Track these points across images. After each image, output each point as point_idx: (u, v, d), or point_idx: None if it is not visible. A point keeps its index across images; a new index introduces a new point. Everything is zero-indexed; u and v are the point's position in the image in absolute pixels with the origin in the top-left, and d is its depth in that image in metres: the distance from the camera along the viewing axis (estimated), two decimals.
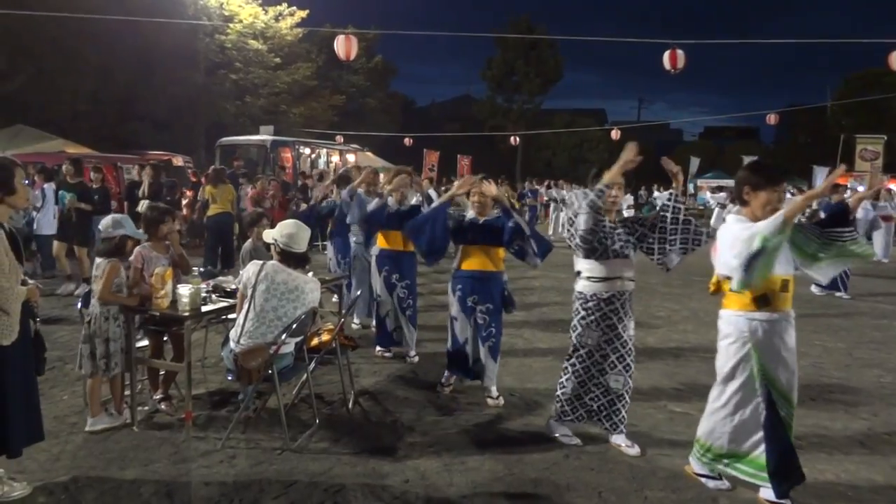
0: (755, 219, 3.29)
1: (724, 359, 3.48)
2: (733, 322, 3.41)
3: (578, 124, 40.04)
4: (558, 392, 4.21)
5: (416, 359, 6.04)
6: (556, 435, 4.26)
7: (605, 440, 4.24)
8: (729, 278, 3.31)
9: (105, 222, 4.42)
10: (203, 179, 12.78)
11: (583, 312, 4.05)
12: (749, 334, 3.34)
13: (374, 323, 6.51)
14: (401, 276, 5.99)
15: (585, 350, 4.06)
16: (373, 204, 6.06)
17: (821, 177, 32.40)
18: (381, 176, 7.66)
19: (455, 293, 5.01)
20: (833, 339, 7.21)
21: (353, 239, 7.09)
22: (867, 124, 35.88)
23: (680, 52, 12.55)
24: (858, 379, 5.84)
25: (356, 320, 7.17)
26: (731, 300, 3.43)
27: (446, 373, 5.26)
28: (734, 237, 3.25)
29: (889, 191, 16.22)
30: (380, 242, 6.16)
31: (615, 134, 31.35)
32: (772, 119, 27.65)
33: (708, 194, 24.42)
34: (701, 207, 28.97)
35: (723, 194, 22.71)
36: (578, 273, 4.10)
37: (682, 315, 8.39)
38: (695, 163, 35.41)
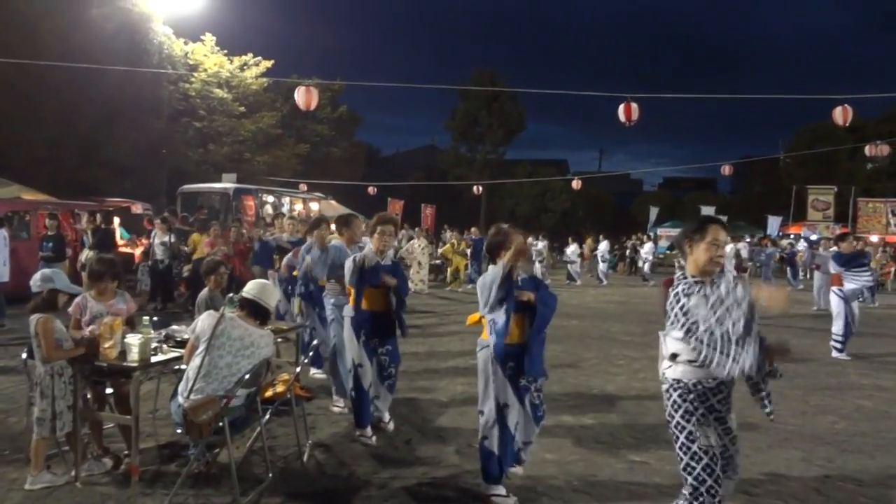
0: None
1: None
2: None
3: (541, 174, 40.77)
4: None
5: (392, 426, 5.44)
6: None
7: (562, 495, 4.19)
8: None
9: (34, 278, 4.29)
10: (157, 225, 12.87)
11: (685, 406, 3.16)
12: None
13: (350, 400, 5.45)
14: (381, 341, 5.25)
15: (710, 456, 3.08)
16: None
17: (774, 226, 33.46)
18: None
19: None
20: (789, 386, 7.30)
21: (330, 301, 6.04)
22: (818, 175, 37.31)
23: (634, 106, 12.95)
24: (813, 426, 5.91)
25: (340, 402, 5.88)
26: None
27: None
28: None
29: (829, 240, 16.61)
30: (353, 301, 5.22)
31: (576, 184, 32.00)
32: (726, 170, 28.58)
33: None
34: (661, 256, 29.55)
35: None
36: (673, 356, 3.27)
37: (643, 363, 8.43)
38: (654, 212, 36.69)
